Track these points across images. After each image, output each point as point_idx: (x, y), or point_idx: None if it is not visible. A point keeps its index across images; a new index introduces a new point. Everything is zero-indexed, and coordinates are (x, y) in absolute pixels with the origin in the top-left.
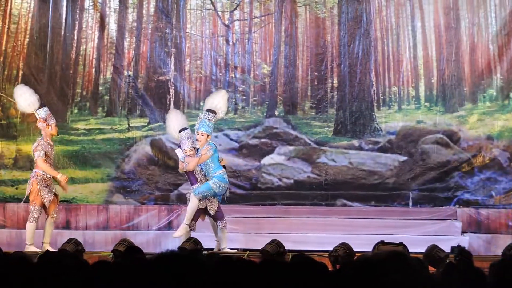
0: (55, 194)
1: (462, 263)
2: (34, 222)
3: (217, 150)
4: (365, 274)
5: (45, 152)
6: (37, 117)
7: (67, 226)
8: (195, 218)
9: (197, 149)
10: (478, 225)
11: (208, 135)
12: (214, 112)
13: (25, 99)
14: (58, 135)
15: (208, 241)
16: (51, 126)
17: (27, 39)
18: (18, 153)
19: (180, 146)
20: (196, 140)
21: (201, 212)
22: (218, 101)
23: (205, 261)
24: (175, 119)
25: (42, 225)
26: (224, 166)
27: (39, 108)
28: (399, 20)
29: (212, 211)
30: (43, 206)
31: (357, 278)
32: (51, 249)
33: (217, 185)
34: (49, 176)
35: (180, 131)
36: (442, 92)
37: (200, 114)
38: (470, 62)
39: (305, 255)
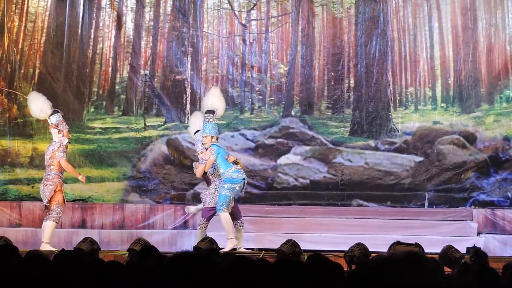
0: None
1: (477, 264)
2: (56, 221)
3: (221, 149)
4: (381, 274)
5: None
6: (49, 123)
7: (82, 225)
8: (208, 217)
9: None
10: (493, 226)
11: (212, 137)
12: (213, 112)
13: (37, 105)
14: (70, 142)
15: (224, 240)
16: (63, 132)
17: (44, 38)
18: (34, 152)
19: None
20: (202, 143)
21: (213, 212)
22: (211, 99)
23: (220, 262)
24: (193, 121)
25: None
26: (235, 162)
27: (52, 114)
28: (416, 20)
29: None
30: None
31: (372, 279)
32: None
33: (230, 189)
34: (60, 181)
35: (194, 133)
36: (458, 93)
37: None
38: (487, 63)
39: (320, 255)
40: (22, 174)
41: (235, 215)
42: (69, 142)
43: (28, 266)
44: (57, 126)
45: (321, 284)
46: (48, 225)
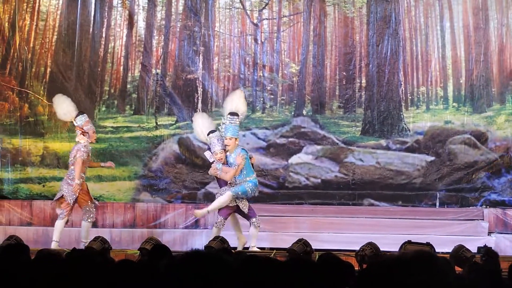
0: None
1: (488, 264)
2: (90, 221)
3: (247, 154)
4: (392, 274)
5: (88, 155)
6: (75, 125)
7: (94, 224)
8: (225, 216)
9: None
10: (505, 226)
11: (236, 138)
12: (237, 115)
13: (62, 108)
14: (96, 141)
15: (235, 239)
16: (88, 133)
17: (55, 37)
18: (45, 151)
19: (209, 149)
20: (226, 145)
21: (232, 210)
22: (236, 102)
23: (231, 261)
24: (201, 122)
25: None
26: (252, 165)
27: (77, 116)
28: (428, 20)
29: (245, 209)
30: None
31: (383, 278)
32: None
33: (251, 189)
34: (83, 175)
35: (208, 134)
36: (470, 93)
37: (223, 119)
38: (499, 62)
39: (332, 255)
40: (33, 173)
41: (251, 214)
42: (96, 142)
43: (39, 265)
44: (82, 128)
45: (332, 283)
46: (83, 226)
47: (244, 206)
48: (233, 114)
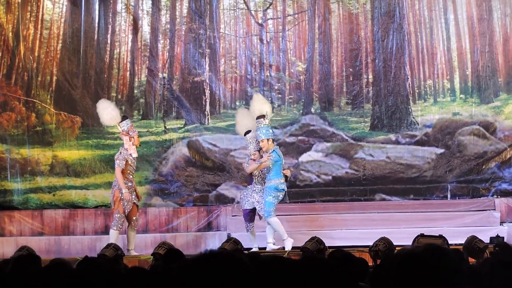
0: (134, 203)
1: (502, 255)
2: (117, 229)
3: (280, 158)
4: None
5: (126, 161)
6: (119, 129)
7: (105, 231)
8: (251, 219)
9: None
10: None
11: (267, 140)
12: (262, 116)
13: (107, 113)
14: (140, 146)
15: (248, 240)
16: (133, 138)
17: (60, 44)
18: (54, 160)
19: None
20: (257, 145)
21: (252, 213)
22: (256, 106)
23: (246, 260)
24: (241, 120)
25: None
26: (286, 177)
27: (122, 121)
28: (432, 13)
29: (262, 212)
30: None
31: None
32: (136, 254)
33: (273, 196)
34: (130, 184)
35: (245, 134)
36: (477, 84)
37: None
38: (504, 52)
39: (344, 251)
40: (43, 182)
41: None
42: (140, 146)
43: (50, 275)
44: (128, 133)
45: (346, 280)
46: (110, 234)
47: (261, 208)
48: (258, 117)
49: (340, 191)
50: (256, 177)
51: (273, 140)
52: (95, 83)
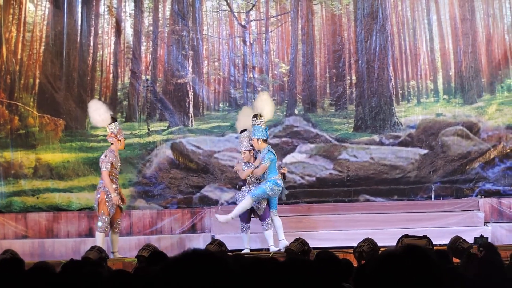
0: (118, 206)
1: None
2: (103, 231)
3: (275, 157)
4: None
5: (112, 164)
6: (108, 131)
7: (89, 233)
8: (246, 220)
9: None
10: (500, 215)
11: (257, 139)
12: (256, 116)
13: (99, 114)
14: (123, 149)
15: (232, 242)
16: (120, 141)
17: (43, 47)
18: (37, 162)
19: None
20: (250, 144)
21: (249, 213)
22: (257, 104)
23: (230, 261)
24: (241, 118)
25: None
26: (284, 175)
27: (111, 123)
28: (414, 14)
29: (260, 211)
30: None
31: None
32: (120, 257)
33: (271, 188)
34: (114, 186)
35: (240, 132)
36: (460, 84)
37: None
38: (487, 53)
39: (329, 252)
40: (26, 185)
41: (264, 216)
42: (123, 149)
43: (34, 278)
44: (116, 135)
45: (331, 281)
46: (96, 236)
47: (260, 208)
48: (254, 116)
49: (324, 192)
50: (250, 178)
51: (265, 140)
52: (78, 85)
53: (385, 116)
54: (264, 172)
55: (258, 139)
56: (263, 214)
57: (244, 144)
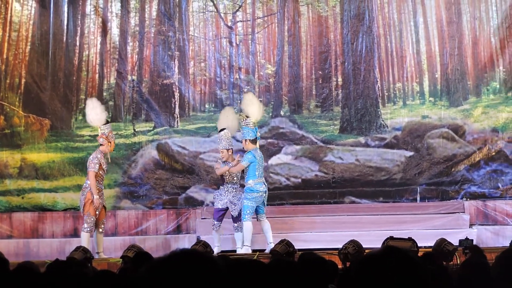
0: (103, 206)
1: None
2: (88, 231)
3: (256, 160)
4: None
5: (100, 165)
6: (100, 132)
7: (75, 234)
8: (220, 219)
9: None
10: (485, 217)
11: (244, 140)
12: (246, 116)
13: (96, 113)
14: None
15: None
16: (111, 143)
17: (29, 47)
18: (23, 162)
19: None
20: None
21: (223, 213)
22: (244, 105)
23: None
24: (221, 118)
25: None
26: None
27: (105, 124)
28: (401, 16)
29: (234, 213)
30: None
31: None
32: (105, 257)
33: (249, 199)
34: (99, 187)
35: (219, 131)
36: (446, 87)
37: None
38: (473, 55)
39: (313, 254)
40: (11, 185)
41: (238, 218)
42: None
43: (19, 279)
44: (107, 137)
45: (316, 282)
46: (82, 236)
47: (235, 209)
48: (241, 117)
49: (310, 193)
50: (226, 177)
51: (253, 141)
52: (64, 85)
53: (371, 118)
54: (243, 172)
55: (245, 140)
56: (237, 215)
57: (223, 143)
